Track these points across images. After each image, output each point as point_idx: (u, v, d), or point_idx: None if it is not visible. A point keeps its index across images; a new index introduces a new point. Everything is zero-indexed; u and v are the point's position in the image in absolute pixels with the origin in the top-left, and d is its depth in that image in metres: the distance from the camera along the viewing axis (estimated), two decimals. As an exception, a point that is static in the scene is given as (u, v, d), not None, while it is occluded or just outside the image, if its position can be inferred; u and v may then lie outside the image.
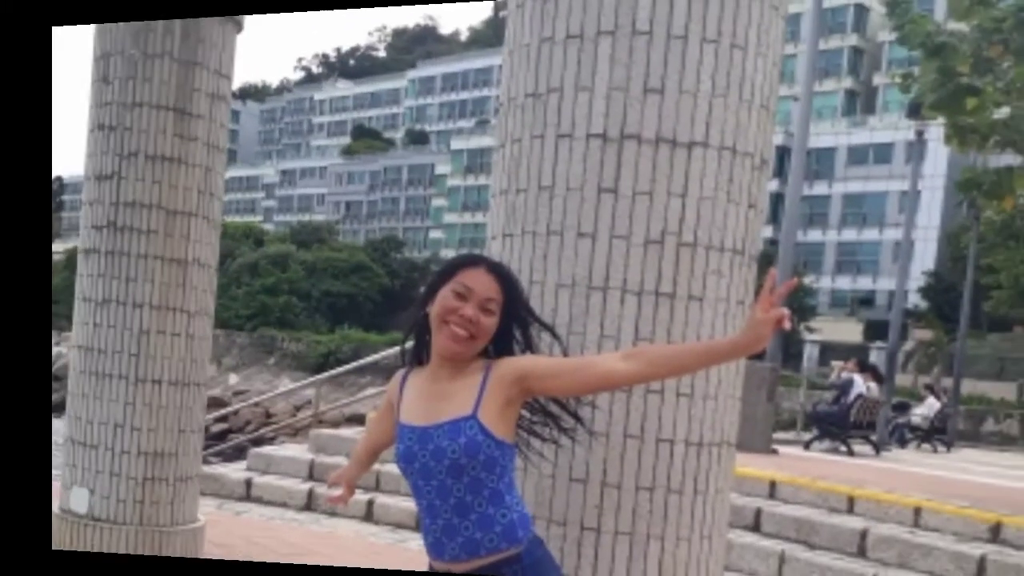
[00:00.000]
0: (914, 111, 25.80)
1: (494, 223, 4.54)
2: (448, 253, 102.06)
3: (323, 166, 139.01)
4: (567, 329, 4.18)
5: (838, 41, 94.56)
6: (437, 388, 3.71)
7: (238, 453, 19.83)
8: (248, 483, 13.34)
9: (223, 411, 24.78)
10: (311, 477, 13.55)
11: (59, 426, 8.48)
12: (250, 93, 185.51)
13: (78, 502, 8.34)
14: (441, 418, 3.63)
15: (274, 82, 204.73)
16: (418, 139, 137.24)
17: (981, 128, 16.17)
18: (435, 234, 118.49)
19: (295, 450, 14.90)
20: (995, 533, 10.59)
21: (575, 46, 4.22)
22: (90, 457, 8.30)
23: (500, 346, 3.77)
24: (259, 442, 20.30)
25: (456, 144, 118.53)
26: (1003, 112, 16.92)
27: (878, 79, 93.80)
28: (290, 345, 74.30)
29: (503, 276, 3.76)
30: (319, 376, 18.16)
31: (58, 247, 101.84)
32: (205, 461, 13.11)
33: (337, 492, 4.21)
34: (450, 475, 3.57)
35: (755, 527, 11.30)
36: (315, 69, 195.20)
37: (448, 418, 3.61)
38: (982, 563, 9.83)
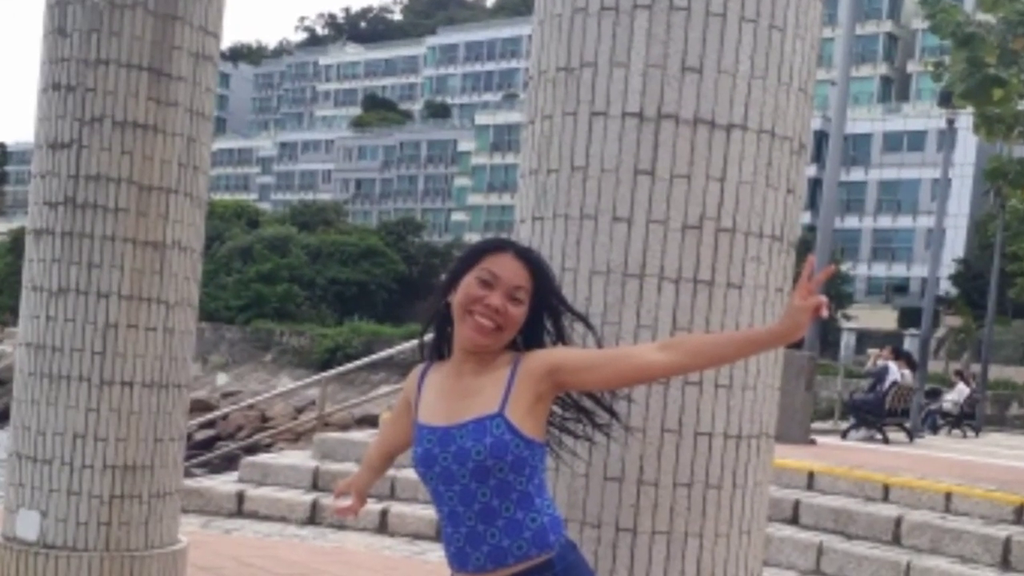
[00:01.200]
0: (945, 99, 25.83)
1: (523, 205, 4.39)
2: (472, 237, 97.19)
3: (329, 139, 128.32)
4: (601, 319, 4.03)
5: (873, 27, 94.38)
6: (460, 385, 3.51)
7: (228, 463, 18.74)
8: (240, 496, 12.19)
9: (209, 415, 22.88)
10: (315, 487, 12.49)
11: (2, 438, 7.72)
12: (242, 54, 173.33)
13: (26, 527, 7.32)
14: (464, 417, 3.43)
15: (271, 43, 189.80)
16: (438, 112, 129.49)
17: (1007, 118, 16.13)
18: (457, 216, 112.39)
19: (296, 457, 13.75)
20: (1019, 514, 10.72)
21: (610, 19, 4.08)
22: (42, 474, 7.29)
23: (529, 337, 3.57)
24: (253, 450, 19.08)
25: (481, 119, 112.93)
26: (1026, 103, 16.92)
27: (912, 66, 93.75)
28: (290, 339, 67.76)
29: (532, 262, 3.57)
30: (325, 373, 16.38)
31: (0, 227, 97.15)
32: (188, 473, 12.25)
33: (346, 502, 3.97)
34: (475, 479, 3.37)
35: (793, 519, 11.20)
36: (320, 30, 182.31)
37: (472, 417, 3.42)
38: (1007, 544, 10.00)
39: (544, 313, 3.59)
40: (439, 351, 3.69)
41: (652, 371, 3.44)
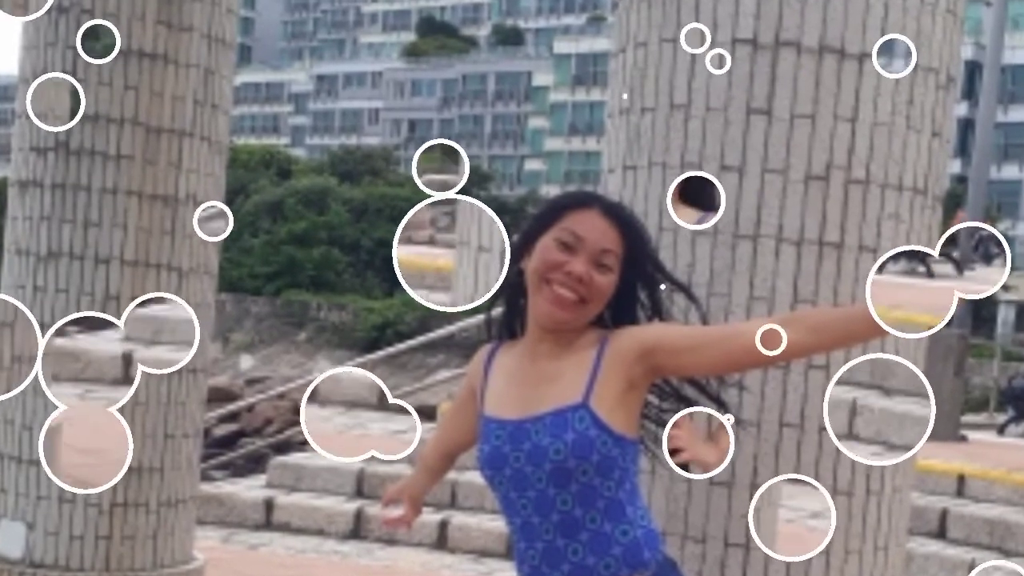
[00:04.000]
0: None
1: (612, 152, 4.41)
2: (550, 190, 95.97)
3: (377, 71, 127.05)
4: (707, 289, 4.07)
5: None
6: (535, 370, 3.53)
7: (254, 464, 18.87)
8: (269, 504, 12.15)
9: (232, 407, 22.95)
10: (359, 494, 12.46)
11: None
12: None
13: (10, 542, 7.29)
14: (541, 408, 3.45)
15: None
16: (509, 39, 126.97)
17: None
18: (532, 165, 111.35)
19: (337, 457, 13.74)
20: None
21: (718, -75, 4.10)
22: (27, 478, 7.23)
23: (619, 312, 3.57)
24: (284, 448, 19.19)
25: (560, 47, 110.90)
26: None
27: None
28: (330, 315, 66.84)
29: (623, 221, 3.55)
30: (371, 356, 16.33)
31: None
32: (206, 477, 12.28)
33: (398, 512, 3.99)
34: (553, 483, 3.40)
35: (940, 532, 11.14)
36: None
37: (550, 408, 3.43)
38: None
39: (637, 283, 3.58)
40: (511, 329, 3.70)
41: (768, 353, 3.42)
